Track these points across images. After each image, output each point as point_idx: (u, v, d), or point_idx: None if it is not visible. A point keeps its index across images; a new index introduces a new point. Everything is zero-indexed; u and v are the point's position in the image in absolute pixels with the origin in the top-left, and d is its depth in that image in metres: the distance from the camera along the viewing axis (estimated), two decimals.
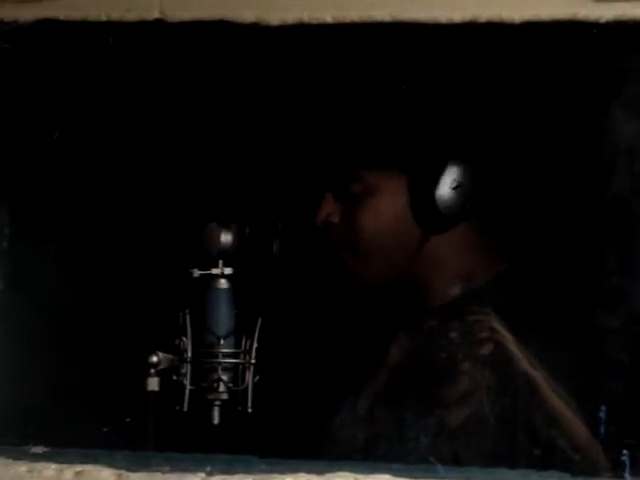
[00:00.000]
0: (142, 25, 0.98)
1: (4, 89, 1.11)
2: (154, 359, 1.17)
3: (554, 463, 1.07)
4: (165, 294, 1.28)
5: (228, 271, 1.20)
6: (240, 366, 1.18)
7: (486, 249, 1.20)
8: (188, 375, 1.17)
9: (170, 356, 1.18)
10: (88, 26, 0.99)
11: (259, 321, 1.18)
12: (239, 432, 1.18)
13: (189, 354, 1.17)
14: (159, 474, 0.93)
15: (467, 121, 1.18)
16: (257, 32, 0.98)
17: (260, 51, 1.19)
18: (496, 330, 1.11)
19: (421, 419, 1.11)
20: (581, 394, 1.09)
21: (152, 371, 1.16)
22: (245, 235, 1.22)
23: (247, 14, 0.98)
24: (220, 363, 1.17)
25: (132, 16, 0.99)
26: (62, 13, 0.98)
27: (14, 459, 0.94)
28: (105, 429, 1.19)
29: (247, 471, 0.92)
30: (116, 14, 0.99)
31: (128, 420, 1.18)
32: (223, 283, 1.20)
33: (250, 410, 1.16)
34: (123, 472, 0.93)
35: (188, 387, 1.16)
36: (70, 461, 0.94)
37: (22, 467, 0.94)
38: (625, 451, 1.03)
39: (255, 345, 1.18)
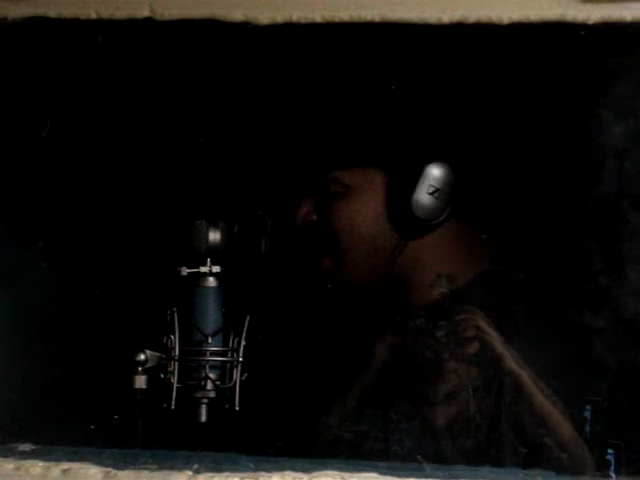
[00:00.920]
0: (132, 23, 0.98)
1: None
2: (142, 357, 1.17)
3: (540, 462, 1.07)
4: (153, 292, 1.28)
5: (216, 269, 1.20)
6: (228, 364, 1.18)
7: (470, 248, 1.20)
8: (175, 373, 1.17)
9: (158, 354, 1.18)
10: (78, 24, 0.99)
11: (247, 319, 1.18)
12: (226, 430, 1.18)
13: (177, 352, 1.17)
14: (146, 472, 0.93)
15: (452, 121, 1.18)
16: (247, 31, 0.98)
17: (250, 50, 1.19)
18: (483, 329, 1.11)
19: (407, 418, 1.12)
20: (567, 393, 1.09)
21: (139, 369, 1.16)
22: (233, 233, 1.22)
23: (237, 13, 0.98)
24: (208, 361, 1.17)
25: (122, 14, 0.99)
26: (52, 10, 0.98)
27: (1, 457, 0.94)
28: (92, 427, 1.19)
29: (234, 469, 0.92)
30: (106, 12, 0.99)
31: (116, 418, 1.18)
32: (211, 281, 1.20)
33: (237, 408, 1.16)
34: (110, 470, 0.93)
35: (175, 385, 1.17)
36: (57, 459, 0.94)
37: (9, 465, 0.94)
38: (610, 450, 1.03)
39: (243, 343, 1.18)
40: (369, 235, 1.19)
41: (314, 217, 1.23)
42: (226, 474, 0.92)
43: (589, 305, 1.07)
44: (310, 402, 1.27)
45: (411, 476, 0.91)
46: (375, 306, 1.22)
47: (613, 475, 1.01)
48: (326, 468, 0.91)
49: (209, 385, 1.17)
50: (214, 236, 1.20)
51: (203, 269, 1.20)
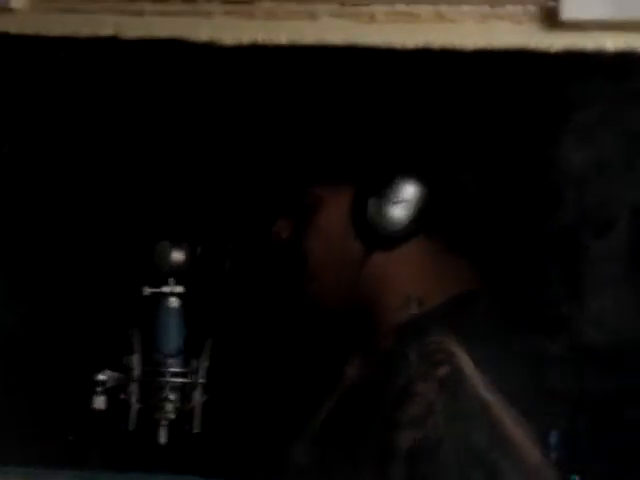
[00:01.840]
0: (95, 41, 0.98)
1: None
2: (101, 377, 1.16)
3: None
4: (114, 311, 1.27)
5: (179, 289, 1.20)
6: (188, 385, 1.18)
7: (439, 271, 1.20)
8: (135, 394, 1.16)
9: (117, 374, 1.17)
10: (40, 41, 0.98)
11: (209, 340, 1.18)
12: (186, 452, 1.18)
13: (137, 372, 1.16)
14: None
15: (416, 143, 1.19)
16: (211, 51, 0.98)
17: (214, 71, 1.19)
18: (454, 353, 1.11)
19: (374, 441, 1.11)
20: (531, 419, 1.09)
21: (99, 389, 1.15)
22: (197, 253, 1.21)
23: (201, 33, 0.98)
24: (168, 382, 1.17)
25: (85, 32, 0.98)
26: (13, 27, 0.98)
27: None
28: (49, 448, 1.17)
29: None
30: (69, 29, 0.98)
31: (71, 438, 1.17)
32: (173, 301, 1.20)
33: (197, 430, 1.16)
34: None
35: (135, 406, 1.16)
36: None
37: None
38: (575, 477, 1.03)
39: (204, 364, 1.18)
40: (338, 247, 1.19)
41: (287, 234, 1.22)
42: None
43: (549, 332, 1.08)
44: (273, 425, 1.26)
45: None
46: (344, 326, 1.22)
47: None
48: None
49: (169, 406, 1.16)
50: (177, 256, 1.20)
51: (166, 289, 1.19)
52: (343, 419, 1.17)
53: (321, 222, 1.20)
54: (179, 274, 1.20)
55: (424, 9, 0.97)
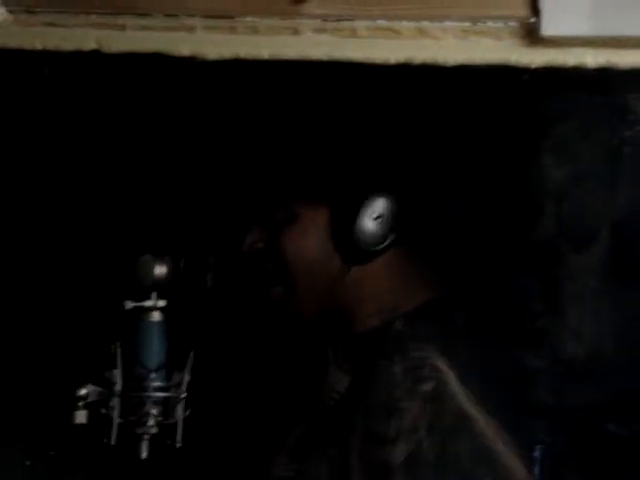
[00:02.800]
0: (78, 56, 0.98)
1: None
2: (83, 392, 1.15)
3: None
4: (97, 326, 1.27)
5: (161, 304, 1.19)
6: (170, 400, 1.17)
7: (411, 281, 1.20)
8: (117, 408, 1.15)
9: (99, 389, 1.16)
10: (23, 55, 0.99)
11: (191, 354, 1.18)
12: (168, 467, 1.17)
13: (119, 387, 1.16)
14: None
15: (397, 157, 1.19)
16: (194, 66, 0.98)
17: (196, 85, 1.20)
18: (437, 368, 1.11)
19: (360, 455, 1.11)
20: (512, 433, 1.09)
21: (80, 404, 1.15)
22: (179, 267, 1.21)
23: (184, 48, 0.98)
24: (150, 397, 1.16)
25: (68, 46, 0.98)
26: None
27: None
28: (28, 462, 1.17)
29: None
30: (52, 44, 0.98)
31: (52, 454, 1.16)
32: (156, 316, 1.19)
33: (179, 445, 1.15)
34: None
35: (116, 420, 1.15)
36: None
37: None
38: None
39: (186, 378, 1.17)
40: (316, 261, 1.19)
41: (261, 245, 1.22)
42: None
43: (529, 346, 1.08)
44: (255, 439, 1.26)
45: None
46: (324, 337, 1.22)
47: None
48: None
49: (151, 421, 1.16)
50: (160, 270, 1.19)
51: (148, 303, 1.19)
52: (325, 434, 1.16)
53: (298, 236, 1.20)
54: (162, 288, 1.19)
55: (406, 25, 0.97)
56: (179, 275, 1.20)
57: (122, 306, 1.18)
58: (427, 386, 1.10)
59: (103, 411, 1.16)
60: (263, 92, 1.19)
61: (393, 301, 1.18)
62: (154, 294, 1.19)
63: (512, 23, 0.97)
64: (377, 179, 1.18)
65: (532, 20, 0.96)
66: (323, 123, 1.19)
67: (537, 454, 1.07)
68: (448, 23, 0.97)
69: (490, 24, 0.97)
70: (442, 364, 1.11)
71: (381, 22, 0.98)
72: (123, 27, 0.99)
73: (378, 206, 1.17)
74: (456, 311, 1.16)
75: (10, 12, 0.98)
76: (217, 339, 1.31)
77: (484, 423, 1.09)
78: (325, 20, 0.98)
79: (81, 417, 1.15)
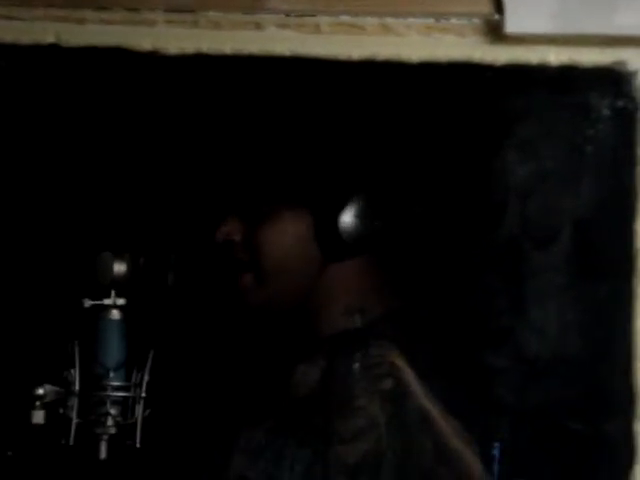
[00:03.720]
0: (36, 49, 0.97)
1: None
2: (40, 391, 1.14)
3: None
4: (54, 324, 1.25)
5: (120, 302, 1.18)
6: (130, 399, 1.16)
7: (379, 284, 1.20)
8: (75, 408, 1.14)
9: (57, 388, 1.15)
10: None
11: (151, 353, 1.17)
12: (127, 467, 1.16)
13: (77, 386, 1.15)
14: None
15: (363, 156, 1.19)
16: (155, 61, 0.97)
17: (158, 80, 1.18)
18: (397, 366, 1.11)
19: (318, 454, 1.11)
20: (473, 431, 1.09)
21: (38, 403, 1.14)
22: (139, 265, 1.20)
23: (145, 42, 0.97)
24: (109, 396, 1.15)
25: (26, 39, 0.97)
26: None
27: None
28: None
29: None
30: (9, 37, 0.97)
31: (10, 454, 1.15)
32: (115, 314, 1.18)
33: (138, 445, 1.14)
34: None
35: (75, 420, 1.14)
36: None
37: None
38: None
39: (146, 378, 1.16)
40: (292, 258, 1.19)
41: (238, 237, 1.21)
42: None
43: (492, 344, 1.08)
44: (215, 439, 1.25)
45: None
46: (288, 336, 1.22)
47: None
48: None
49: (110, 421, 1.15)
50: (119, 268, 1.18)
51: (107, 301, 1.18)
52: (286, 432, 1.16)
53: (274, 229, 1.19)
54: (121, 286, 1.18)
55: (369, 21, 0.97)
56: (139, 273, 1.19)
57: (80, 304, 1.17)
58: (386, 384, 1.10)
59: (61, 411, 1.15)
60: (225, 87, 1.18)
61: (360, 303, 1.18)
62: (113, 292, 1.18)
63: (476, 20, 0.97)
64: (350, 176, 1.18)
65: (496, 17, 0.96)
66: (285, 118, 1.18)
67: (495, 452, 1.07)
68: (412, 20, 0.97)
69: (454, 21, 0.97)
70: (402, 363, 1.11)
71: (344, 18, 0.98)
72: (83, 21, 0.97)
73: (359, 202, 1.17)
74: (420, 310, 1.16)
75: None
76: (177, 338, 1.30)
77: (444, 422, 1.09)
78: (288, 15, 0.98)
79: (39, 417, 1.14)
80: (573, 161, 1.05)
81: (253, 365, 1.27)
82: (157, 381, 1.17)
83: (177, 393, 1.27)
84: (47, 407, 1.14)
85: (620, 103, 1.01)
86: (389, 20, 0.97)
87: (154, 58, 0.97)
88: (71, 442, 1.13)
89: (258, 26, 0.97)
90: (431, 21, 0.97)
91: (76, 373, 1.15)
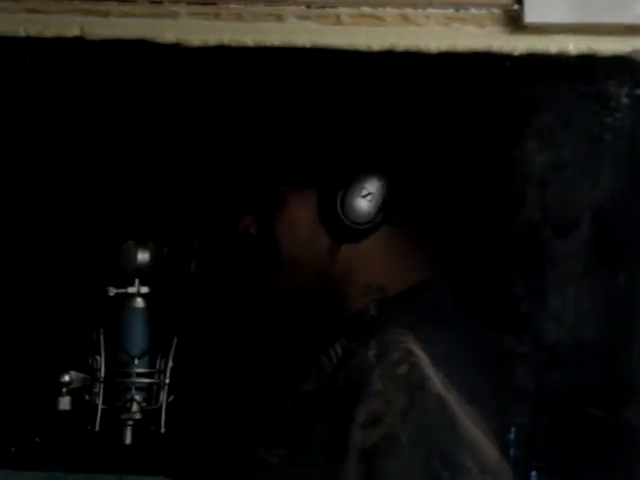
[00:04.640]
0: (61, 42, 0.98)
1: None
2: (66, 378, 1.15)
3: None
4: (80, 312, 1.27)
5: (144, 290, 1.19)
6: (154, 386, 1.17)
7: (397, 264, 1.21)
8: (100, 394, 1.16)
9: (83, 375, 1.16)
10: (5, 42, 0.98)
11: (174, 340, 1.18)
12: (152, 453, 1.17)
13: (102, 373, 1.16)
14: None
15: (382, 140, 1.20)
16: (177, 52, 0.98)
17: (180, 71, 1.19)
18: (412, 352, 1.12)
19: (334, 439, 1.12)
20: (491, 417, 1.10)
21: (64, 390, 1.15)
22: (162, 253, 1.21)
23: (168, 34, 0.98)
24: (134, 383, 1.17)
25: (51, 32, 0.98)
26: None
27: None
28: (13, 449, 1.17)
29: None
30: (34, 30, 0.98)
31: (37, 440, 1.16)
32: (139, 302, 1.19)
33: (163, 430, 1.16)
34: None
35: (100, 407, 1.15)
36: None
37: None
38: (533, 472, 1.05)
39: (170, 365, 1.18)
40: (307, 244, 1.20)
41: (253, 231, 1.23)
42: None
43: (512, 330, 1.09)
44: (238, 423, 1.26)
45: None
46: (309, 321, 1.23)
47: None
48: None
49: (134, 407, 1.16)
50: (143, 256, 1.20)
51: (131, 290, 1.19)
52: (307, 417, 1.17)
53: (288, 217, 1.21)
54: (144, 274, 1.19)
55: (389, 12, 0.98)
56: (162, 261, 1.21)
57: (105, 292, 1.18)
58: (401, 369, 1.11)
59: (87, 397, 1.16)
60: (247, 78, 1.19)
61: (379, 282, 1.19)
62: (137, 281, 1.19)
63: (495, 10, 0.97)
64: (365, 159, 1.19)
65: (515, 7, 0.96)
66: (308, 108, 1.19)
67: (512, 436, 1.08)
68: (431, 10, 0.98)
69: (473, 11, 0.97)
70: (416, 347, 1.12)
71: (365, 9, 0.98)
72: (107, 13, 0.98)
73: (367, 184, 1.18)
74: (439, 297, 1.17)
75: None
76: (200, 325, 1.31)
77: (458, 405, 1.10)
78: (309, 7, 0.98)
79: (65, 403, 1.15)
80: (592, 150, 1.05)
81: (275, 351, 1.29)
82: (181, 367, 1.19)
83: (200, 379, 1.28)
84: (73, 394, 1.15)
85: (639, 92, 1.01)
86: (409, 11, 0.97)
87: (177, 50, 0.98)
88: (97, 428, 1.15)
89: (279, 18, 0.98)
90: (451, 11, 0.97)
91: (101, 360, 1.16)
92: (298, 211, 1.20)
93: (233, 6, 0.98)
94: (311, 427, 1.15)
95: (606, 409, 1.05)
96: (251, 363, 1.31)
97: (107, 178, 1.34)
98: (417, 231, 1.21)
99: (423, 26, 0.97)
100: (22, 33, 0.98)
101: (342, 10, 0.98)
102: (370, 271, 1.20)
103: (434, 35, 0.97)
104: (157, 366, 1.18)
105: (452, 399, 1.10)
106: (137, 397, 1.16)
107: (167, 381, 1.17)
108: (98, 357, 1.16)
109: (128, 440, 1.16)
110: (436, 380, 1.10)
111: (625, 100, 1.02)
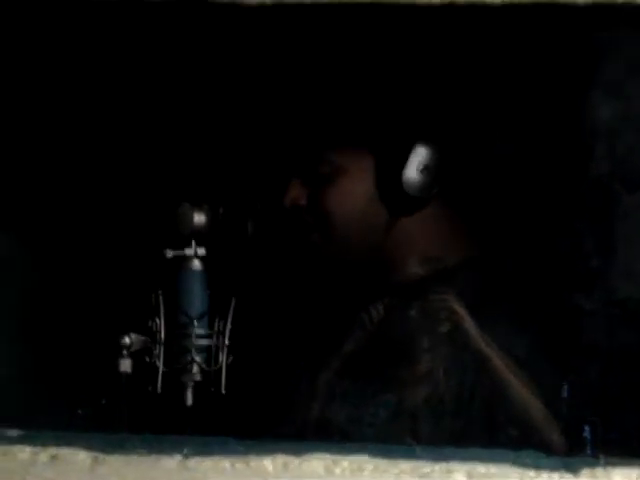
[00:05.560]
0: (118, 3, 0.97)
1: None
2: (126, 341, 1.15)
3: (499, 441, 1.07)
4: (138, 275, 1.27)
5: (201, 252, 1.19)
6: (213, 347, 1.18)
7: (457, 232, 1.20)
8: (161, 357, 1.16)
9: (143, 338, 1.17)
10: (68, 3, 0.98)
11: (233, 302, 1.18)
12: (212, 414, 1.18)
13: (162, 335, 1.16)
14: (135, 456, 0.92)
15: (442, 103, 1.18)
16: (235, 12, 0.97)
17: (237, 32, 1.18)
18: (455, 311, 1.12)
19: (381, 397, 1.12)
20: (555, 375, 1.09)
21: (124, 353, 1.15)
22: (218, 215, 1.21)
23: None
24: (193, 344, 1.17)
25: None
26: None
27: None
28: (79, 411, 1.18)
29: (224, 453, 0.91)
30: None
31: (103, 402, 1.17)
32: (196, 264, 1.19)
33: (224, 391, 1.16)
34: (99, 454, 0.92)
35: (161, 369, 1.16)
36: (45, 444, 0.92)
37: None
38: (587, 427, 1.04)
39: (229, 326, 1.18)
40: (360, 213, 1.19)
41: (303, 202, 1.22)
42: (216, 458, 0.91)
43: (581, 287, 1.08)
44: (296, 384, 1.27)
45: (402, 457, 0.91)
46: (361, 286, 1.22)
47: (589, 453, 1.01)
48: (317, 451, 0.90)
49: (195, 369, 1.16)
50: (199, 218, 1.19)
51: (188, 252, 1.19)
52: (353, 375, 1.17)
53: (343, 188, 1.20)
54: (201, 236, 1.19)
55: None
56: (218, 223, 1.20)
57: (163, 255, 1.18)
58: (443, 328, 1.11)
59: (147, 359, 1.16)
60: (304, 38, 1.18)
61: (438, 252, 1.18)
62: (194, 242, 1.19)
63: None
64: (422, 128, 1.17)
65: None
66: (364, 69, 1.18)
67: (564, 394, 1.07)
68: None
69: None
70: (459, 307, 1.11)
71: None
72: None
73: (424, 156, 1.17)
74: (505, 255, 1.16)
75: None
76: (257, 286, 1.31)
77: (502, 362, 1.09)
78: None
79: (126, 365, 1.15)
80: None
81: (329, 312, 1.29)
82: (239, 329, 1.19)
83: (259, 340, 1.28)
84: (134, 356, 1.16)
85: None
86: None
87: (235, 9, 0.97)
88: (158, 390, 1.15)
89: None
90: None
91: (161, 322, 1.16)
92: (353, 183, 1.19)
93: None
94: (359, 386, 1.15)
95: None
96: (307, 321, 1.31)
97: (162, 141, 1.34)
98: (478, 197, 1.20)
99: None
100: None
101: None
102: (428, 241, 1.19)
103: None
104: (216, 328, 1.18)
105: (495, 356, 1.09)
106: (197, 359, 1.17)
107: (226, 342, 1.17)
108: (158, 319, 1.17)
109: (189, 401, 1.17)
110: (480, 339, 1.10)
111: None
